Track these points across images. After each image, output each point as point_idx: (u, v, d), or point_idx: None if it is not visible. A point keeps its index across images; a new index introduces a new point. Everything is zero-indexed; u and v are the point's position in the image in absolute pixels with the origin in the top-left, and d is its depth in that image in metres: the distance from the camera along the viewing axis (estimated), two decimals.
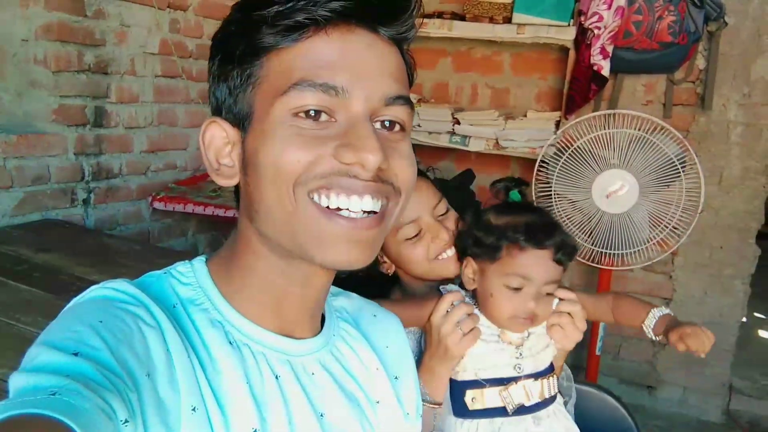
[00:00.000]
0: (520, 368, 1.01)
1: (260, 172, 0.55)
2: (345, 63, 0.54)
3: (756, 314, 3.52)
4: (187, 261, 0.64)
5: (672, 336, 0.95)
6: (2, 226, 1.87)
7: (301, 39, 0.54)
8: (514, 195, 1.09)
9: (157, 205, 2.37)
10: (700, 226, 2.22)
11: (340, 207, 0.54)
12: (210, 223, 2.73)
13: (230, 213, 2.26)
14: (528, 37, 2.46)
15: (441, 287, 1.06)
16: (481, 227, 1.02)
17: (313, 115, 0.54)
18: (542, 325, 1.04)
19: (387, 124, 0.57)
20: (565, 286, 1.06)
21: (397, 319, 0.80)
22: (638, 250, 2.15)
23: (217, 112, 0.60)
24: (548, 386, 1.03)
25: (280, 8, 0.53)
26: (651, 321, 1.02)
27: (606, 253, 2.16)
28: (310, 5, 0.52)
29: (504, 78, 2.83)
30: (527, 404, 1.00)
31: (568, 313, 1.03)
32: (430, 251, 1.08)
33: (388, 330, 0.77)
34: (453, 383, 1.02)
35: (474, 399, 1.00)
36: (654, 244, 2.14)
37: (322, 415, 0.62)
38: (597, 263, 2.20)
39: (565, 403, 1.12)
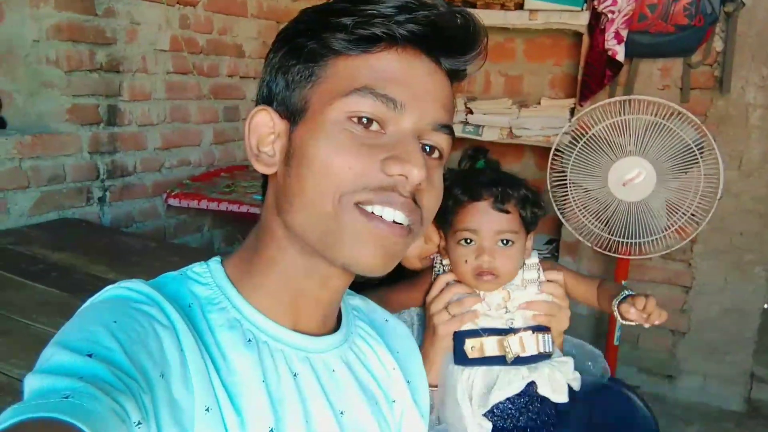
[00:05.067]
0: (511, 322, 1.04)
1: (306, 165, 0.57)
2: (408, 81, 0.57)
3: None
4: (202, 262, 0.64)
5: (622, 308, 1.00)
6: (20, 226, 1.89)
7: (372, 51, 0.57)
8: (480, 165, 1.11)
9: (172, 201, 2.38)
10: (719, 212, 2.18)
11: (375, 213, 0.56)
12: (225, 218, 2.75)
13: (244, 208, 2.26)
14: (540, 23, 2.42)
15: (434, 257, 1.11)
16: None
17: (365, 122, 0.56)
18: (526, 287, 1.06)
19: (427, 148, 0.60)
20: (557, 264, 1.11)
21: (405, 325, 0.81)
22: (656, 239, 2.12)
23: (267, 101, 0.62)
24: (543, 341, 1.05)
25: (360, 19, 0.56)
26: (615, 302, 1.04)
27: (623, 242, 2.14)
28: (391, 23, 0.56)
29: (517, 65, 2.80)
30: (523, 355, 1.03)
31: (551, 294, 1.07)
32: (422, 251, 1.12)
33: (398, 335, 0.78)
34: (454, 333, 1.06)
35: (473, 347, 1.03)
36: (672, 231, 2.11)
37: (342, 413, 0.63)
38: (614, 252, 2.17)
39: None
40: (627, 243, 2.14)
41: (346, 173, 0.55)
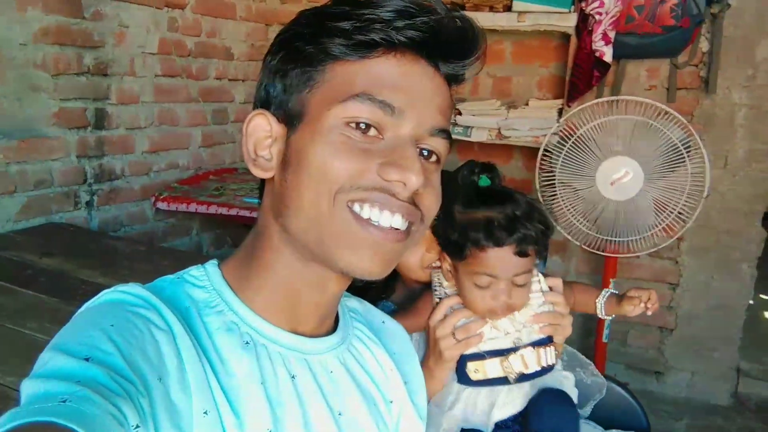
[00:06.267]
0: (519, 340, 1.04)
1: (304, 170, 0.57)
2: (406, 87, 0.57)
3: (762, 296, 3.50)
4: (199, 265, 0.64)
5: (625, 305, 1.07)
6: (7, 231, 1.87)
7: (370, 56, 0.57)
8: (483, 181, 1.08)
9: (161, 205, 2.37)
10: (705, 211, 2.21)
11: (372, 219, 0.56)
12: (214, 221, 2.73)
13: (233, 211, 2.26)
14: (528, 25, 2.43)
15: (434, 273, 1.09)
16: (446, 224, 1.02)
17: (363, 128, 0.56)
18: (528, 303, 1.06)
19: (425, 153, 0.60)
20: (545, 273, 1.11)
21: (401, 326, 0.81)
22: (644, 237, 2.14)
23: (264, 105, 0.62)
24: (545, 355, 1.05)
25: (359, 24, 0.56)
26: (601, 308, 1.11)
27: (611, 240, 2.16)
28: (389, 29, 0.55)
29: (505, 66, 2.81)
30: (526, 372, 1.02)
31: (552, 303, 1.07)
32: (423, 260, 1.11)
33: (395, 336, 0.78)
34: None
35: (476, 370, 1.03)
36: (660, 230, 2.13)
37: (340, 414, 0.63)
38: (602, 251, 2.19)
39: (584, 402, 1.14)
40: (615, 241, 2.16)
41: (342, 173, 0.55)
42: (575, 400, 1.09)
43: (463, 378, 1.03)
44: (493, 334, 1.04)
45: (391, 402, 0.71)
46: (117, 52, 2.22)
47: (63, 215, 2.09)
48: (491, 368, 1.02)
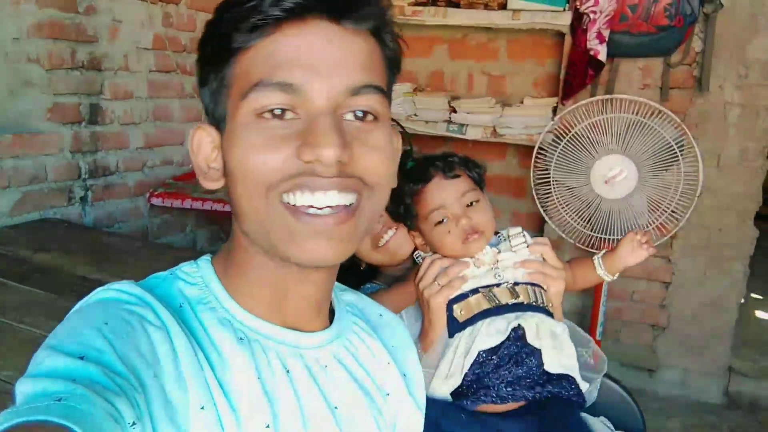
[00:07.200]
0: (500, 276, 1.08)
1: (234, 175, 0.56)
2: (301, 59, 0.53)
3: (754, 295, 3.52)
4: (192, 261, 0.64)
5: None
6: (0, 227, 1.87)
7: (261, 39, 0.54)
8: (410, 164, 1.17)
9: (155, 201, 2.36)
10: (698, 209, 2.23)
11: (305, 204, 0.54)
12: (208, 217, 2.73)
13: (228, 207, 2.24)
14: (523, 23, 2.44)
15: (415, 255, 1.17)
16: (395, 204, 1.13)
17: (278, 113, 0.54)
18: (516, 251, 1.10)
19: (360, 114, 0.56)
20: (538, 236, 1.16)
21: (399, 318, 0.81)
22: None
23: (205, 116, 0.61)
24: (534, 292, 1.08)
25: (240, 11, 0.53)
26: (599, 263, 1.17)
27: (605, 238, 2.17)
28: (265, 5, 0.52)
29: (500, 65, 2.82)
30: (511, 302, 1.06)
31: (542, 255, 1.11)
32: (372, 241, 1.17)
33: (393, 329, 0.78)
34: None
35: (462, 311, 1.07)
36: (653, 228, 2.15)
37: (336, 408, 0.63)
38: (596, 249, 2.20)
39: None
40: (608, 240, 2.17)
41: (264, 170, 0.53)
42: (574, 363, 1.09)
43: (452, 325, 1.07)
44: (476, 272, 1.08)
45: (388, 395, 0.71)
46: (111, 47, 2.21)
47: (57, 211, 2.08)
48: (476, 303, 1.06)
